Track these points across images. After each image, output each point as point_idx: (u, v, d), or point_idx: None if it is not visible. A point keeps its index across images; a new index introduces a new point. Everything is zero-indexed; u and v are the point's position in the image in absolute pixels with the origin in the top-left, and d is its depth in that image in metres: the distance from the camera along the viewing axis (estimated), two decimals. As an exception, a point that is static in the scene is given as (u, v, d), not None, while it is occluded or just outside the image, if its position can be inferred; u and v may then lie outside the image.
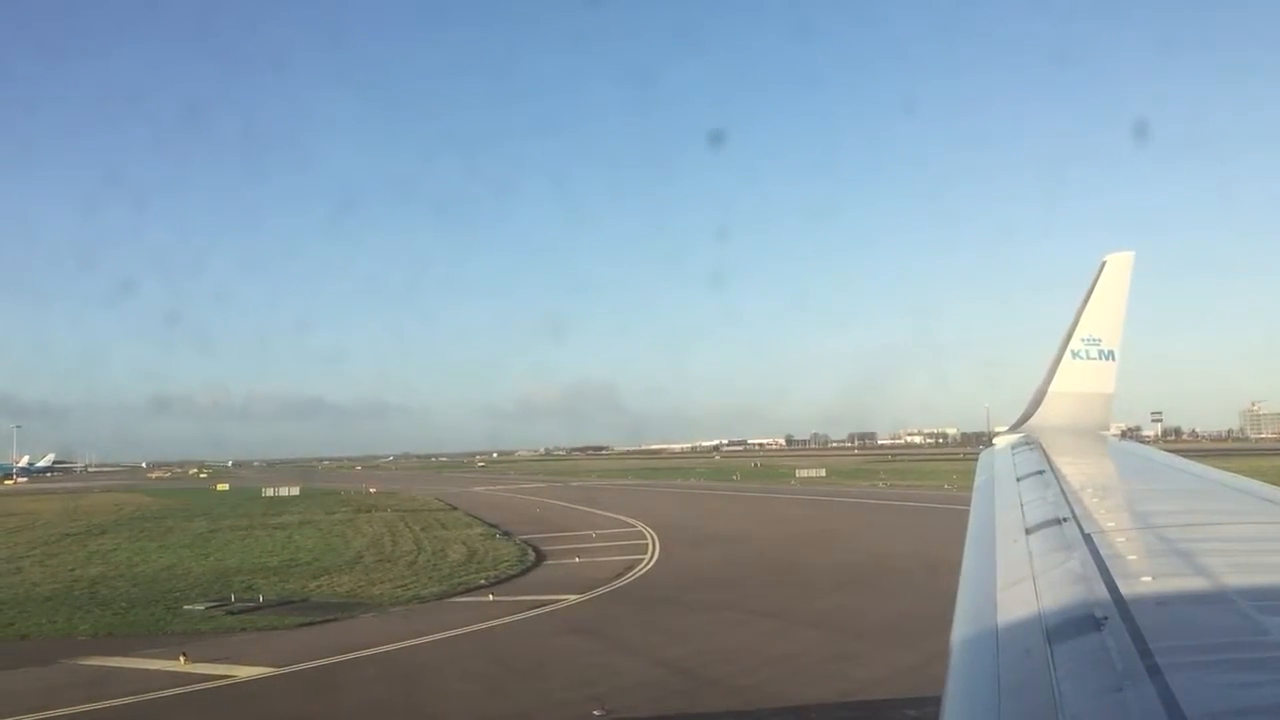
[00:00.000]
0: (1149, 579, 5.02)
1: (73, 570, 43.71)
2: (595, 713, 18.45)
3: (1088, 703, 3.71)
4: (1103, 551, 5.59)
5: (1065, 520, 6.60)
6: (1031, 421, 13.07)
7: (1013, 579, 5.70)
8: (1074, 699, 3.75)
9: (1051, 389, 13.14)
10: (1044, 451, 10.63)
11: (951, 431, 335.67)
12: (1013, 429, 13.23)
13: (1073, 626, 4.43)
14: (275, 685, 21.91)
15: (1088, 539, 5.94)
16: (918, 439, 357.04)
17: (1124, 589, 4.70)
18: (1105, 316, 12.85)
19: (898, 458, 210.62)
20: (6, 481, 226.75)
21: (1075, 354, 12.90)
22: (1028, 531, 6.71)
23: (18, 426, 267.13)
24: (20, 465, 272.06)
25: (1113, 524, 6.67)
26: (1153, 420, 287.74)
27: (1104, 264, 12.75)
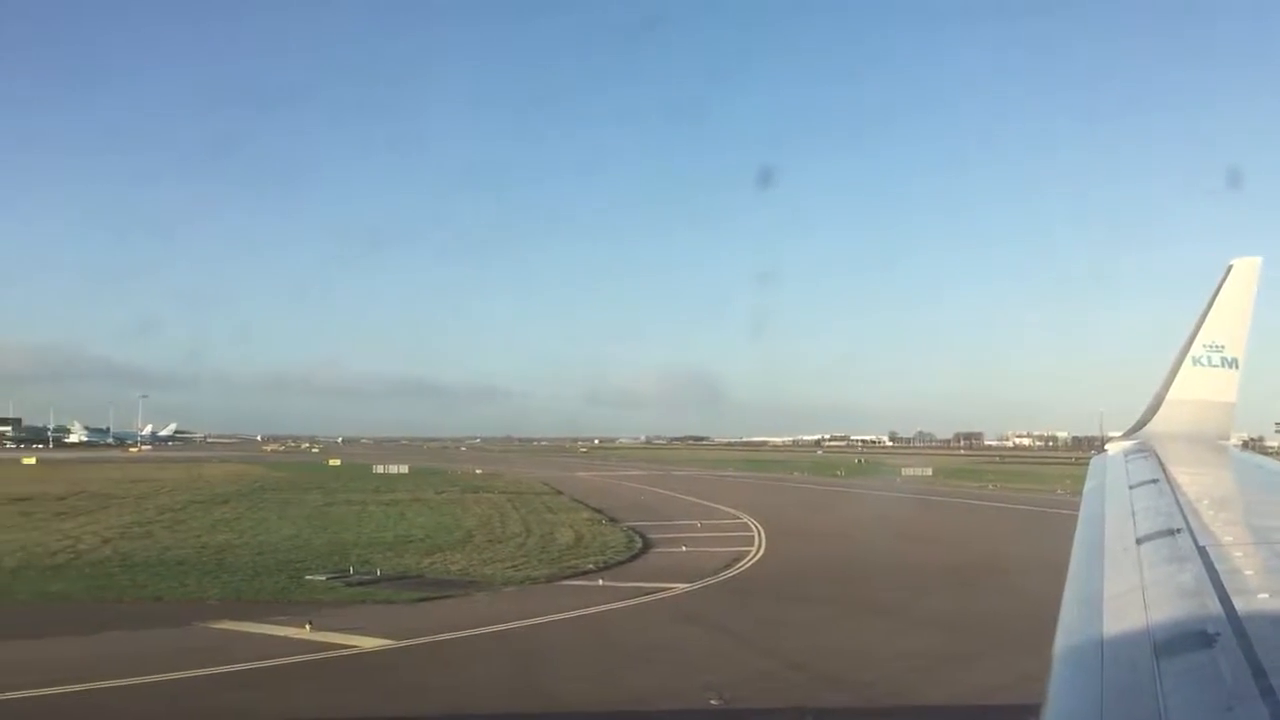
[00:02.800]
0: (1265, 596, 4.77)
1: (199, 536, 45.56)
2: (713, 701, 18.47)
3: (1192, 718, 3.64)
4: (1218, 565, 5.34)
5: (1179, 531, 6.34)
6: (1147, 428, 12.64)
7: (1121, 589, 5.48)
8: (1180, 716, 3.61)
9: (1170, 395, 12.68)
10: (1159, 459, 10.24)
11: (1062, 435, 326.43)
12: (1127, 435, 12.83)
13: (1182, 641, 4.18)
14: (396, 657, 22.47)
15: (1202, 552, 5.68)
16: (1026, 441, 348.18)
17: (1238, 605, 4.47)
18: (1229, 322, 12.36)
19: (1005, 459, 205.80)
20: (132, 449, 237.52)
21: (1196, 360, 12.42)
22: (1139, 541, 6.45)
23: (144, 396, 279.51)
24: (144, 434, 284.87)
25: (1230, 538, 6.38)
26: (1277, 430, 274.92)
27: (1230, 268, 12.27)
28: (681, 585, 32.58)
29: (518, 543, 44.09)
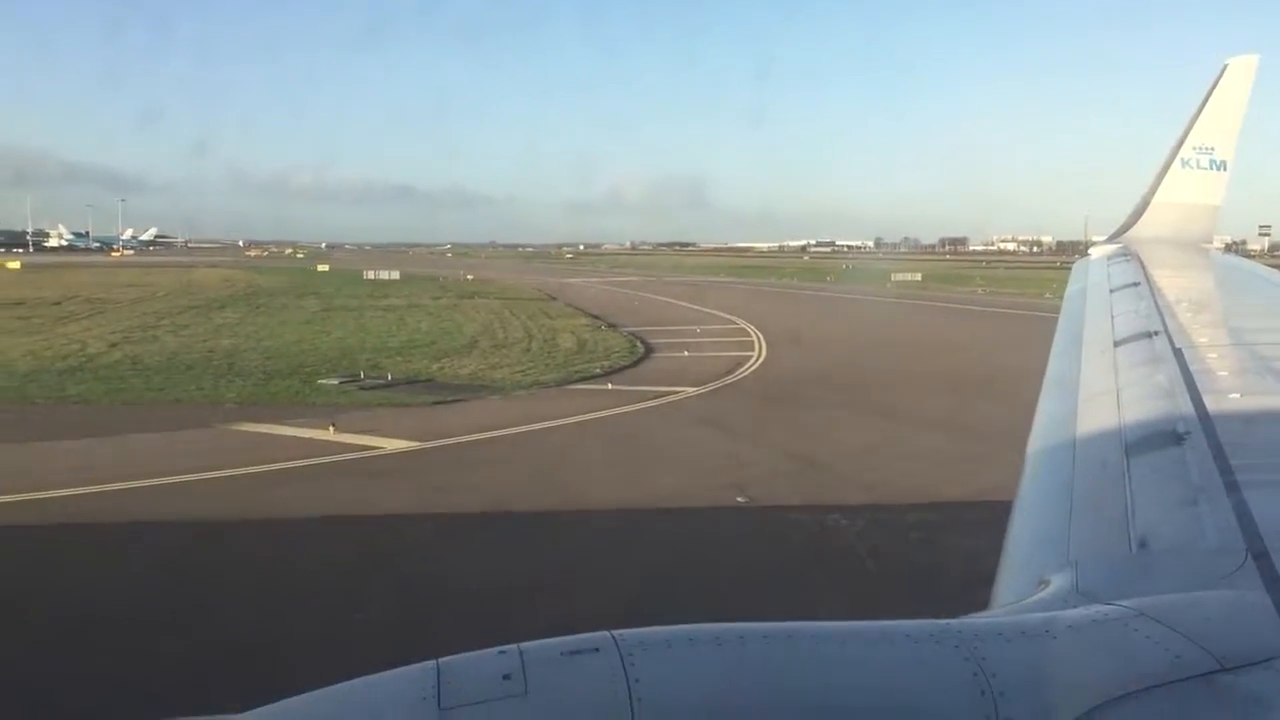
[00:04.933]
0: (1237, 396, 4.90)
1: (205, 341, 45.82)
2: (738, 499, 19.15)
3: (1160, 515, 3.64)
4: (1192, 366, 5.47)
5: (1156, 334, 6.46)
6: (1131, 232, 12.71)
7: (1096, 391, 5.61)
8: (1146, 511, 3.66)
9: (1156, 199, 12.67)
10: (1141, 263, 10.34)
11: (1047, 240, 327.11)
12: (1111, 239, 12.90)
13: (1153, 440, 4.34)
14: (422, 458, 23.06)
15: (1178, 353, 5.81)
16: (1011, 246, 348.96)
17: (1210, 405, 4.60)
18: (1221, 123, 12.23)
19: (991, 264, 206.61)
20: (114, 253, 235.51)
21: (1185, 162, 12.35)
22: (1116, 344, 6.59)
23: (122, 200, 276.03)
24: (125, 238, 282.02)
25: (1205, 339, 6.51)
26: (1260, 234, 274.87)
27: (1225, 67, 12.02)
28: (689, 389, 33.20)
29: (522, 348, 44.56)
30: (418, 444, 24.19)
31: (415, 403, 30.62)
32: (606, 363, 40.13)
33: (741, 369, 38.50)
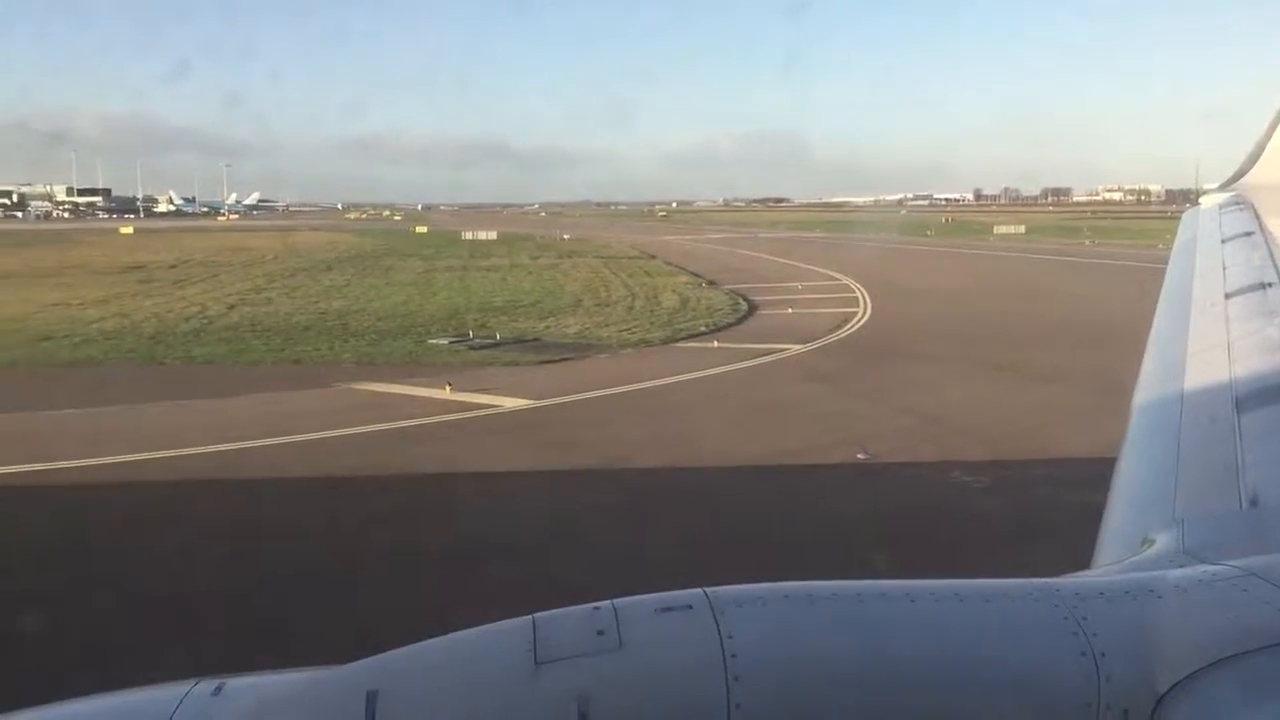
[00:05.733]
0: None
1: (316, 303, 47.04)
2: (859, 455, 19.02)
3: (1272, 472, 3.50)
4: None
5: (1271, 285, 6.14)
6: (1245, 179, 12.07)
7: (1205, 344, 5.34)
8: (1258, 469, 3.52)
9: (1272, 143, 11.97)
10: (1255, 212, 9.84)
11: (1154, 189, 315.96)
12: (1223, 187, 12.28)
13: (1265, 395, 4.16)
14: (540, 415, 23.36)
15: None
16: (1117, 195, 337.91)
17: None
18: None
19: (1098, 215, 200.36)
20: (220, 217, 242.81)
21: None
22: (1228, 296, 6.27)
23: (227, 165, 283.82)
24: (230, 202, 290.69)
25: None
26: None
27: None
28: (796, 346, 32.99)
29: (625, 306, 44.75)
30: (534, 402, 24.51)
31: (525, 361, 31.02)
32: (710, 320, 40.07)
33: (849, 325, 38.08)
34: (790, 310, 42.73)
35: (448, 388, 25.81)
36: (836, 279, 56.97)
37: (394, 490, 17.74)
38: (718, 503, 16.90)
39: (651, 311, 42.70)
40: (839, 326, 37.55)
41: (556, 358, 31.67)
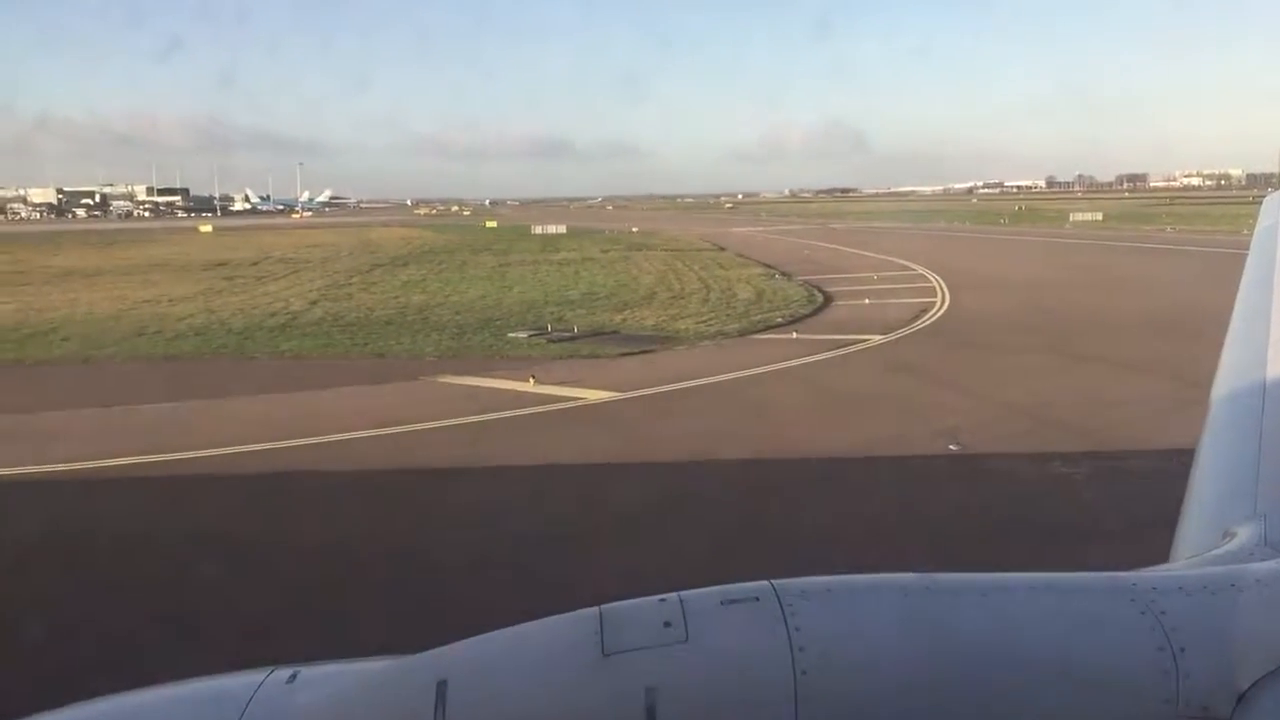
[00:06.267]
0: None
1: (396, 297, 47.82)
2: (951, 447, 18.87)
3: None
4: None
5: None
6: None
7: None
8: None
9: None
10: None
11: (1235, 173, 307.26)
12: None
13: None
14: (625, 408, 23.50)
15: None
16: (1196, 181, 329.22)
17: None
18: None
19: (1176, 201, 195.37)
20: (294, 215, 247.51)
21: None
22: None
23: (300, 164, 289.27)
24: (303, 200, 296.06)
25: None
26: None
27: None
28: (877, 337, 32.75)
29: (700, 298, 44.78)
30: (618, 394, 24.67)
31: (604, 354, 31.21)
32: (787, 311, 39.93)
33: (928, 315, 37.72)
34: (867, 301, 42.43)
35: (531, 380, 26.10)
36: (911, 269, 56.41)
37: (513, 480, 18.12)
38: (819, 495, 16.92)
39: (727, 303, 42.66)
40: (918, 317, 37.20)
41: (636, 350, 31.81)
